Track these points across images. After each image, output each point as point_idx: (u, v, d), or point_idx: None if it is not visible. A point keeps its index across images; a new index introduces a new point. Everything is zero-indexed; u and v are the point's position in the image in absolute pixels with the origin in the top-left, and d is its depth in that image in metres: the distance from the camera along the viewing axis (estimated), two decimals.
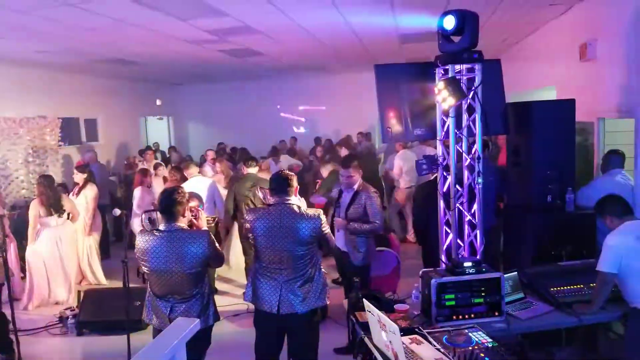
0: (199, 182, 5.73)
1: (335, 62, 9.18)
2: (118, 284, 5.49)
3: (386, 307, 2.81)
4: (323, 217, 3.03)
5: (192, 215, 3.13)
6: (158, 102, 11.88)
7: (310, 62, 9.00)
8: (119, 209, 3.95)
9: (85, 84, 9.00)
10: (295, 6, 4.76)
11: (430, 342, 2.41)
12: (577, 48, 4.91)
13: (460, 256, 3.47)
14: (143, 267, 2.98)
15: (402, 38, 6.77)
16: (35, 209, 5.29)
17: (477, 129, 3.40)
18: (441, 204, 3.55)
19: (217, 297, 3.55)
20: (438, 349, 2.34)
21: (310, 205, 3.93)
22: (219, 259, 3.09)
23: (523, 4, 5.03)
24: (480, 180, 3.38)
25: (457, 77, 3.29)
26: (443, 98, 3.23)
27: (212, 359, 3.21)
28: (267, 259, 2.98)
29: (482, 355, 2.27)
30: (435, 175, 3.86)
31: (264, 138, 10.64)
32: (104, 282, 5.98)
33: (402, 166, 7.16)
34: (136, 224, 5.57)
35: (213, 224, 5.54)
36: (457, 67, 3.34)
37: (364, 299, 2.55)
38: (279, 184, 3.05)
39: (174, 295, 2.90)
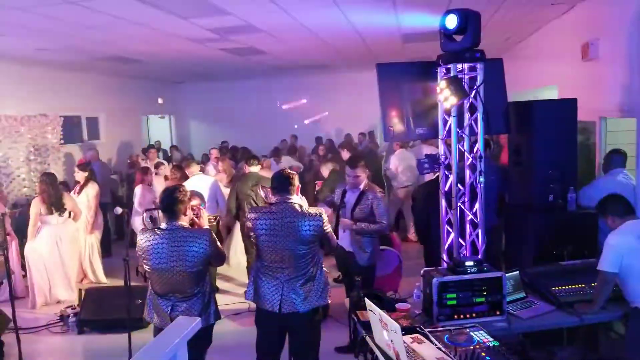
0: (201, 181, 5.73)
1: (337, 61, 9.17)
2: (119, 282, 5.51)
3: (388, 306, 2.81)
4: (324, 216, 3.02)
5: (193, 214, 3.13)
6: (160, 101, 11.89)
7: (312, 61, 9.00)
8: (121, 207, 3.96)
9: (86, 82, 9.00)
10: (298, 5, 4.75)
11: (431, 342, 2.41)
12: (579, 47, 4.90)
13: (461, 255, 3.46)
14: (144, 266, 2.98)
15: (404, 37, 6.76)
16: (36, 207, 5.29)
17: (479, 128, 3.39)
18: (443, 203, 3.54)
19: (218, 296, 3.56)
20: (439, 348, 2.34)
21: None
22: (220, 258, 3.09)
23: (525, 3, 5.02)
24: (482, 179, 3.38)
25: (459, 76, 3.29)
26: (445, 97, 3.22)
27: (213, 357, 3.22)
28: (269, 257, 2.98)
29: (484, 354, 2.27)
30: (436, 175, 3.85)
31: (266, 137, 10.64)
32: (104, 281, 5.99)
33: (397, 165, 7.17)
34: (137, 222, 5.58)
35: (215, 223, 5.55)
36: (459, 66, 3.33)
37: (365, 298, 2.55)
38: (281, 183, 3.05)
39: (175, 293, 2.90)
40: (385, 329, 2.28)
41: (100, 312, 4.63)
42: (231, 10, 4.81)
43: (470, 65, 3.34)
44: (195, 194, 3.71)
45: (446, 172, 3.52)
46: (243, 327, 4.58)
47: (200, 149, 11.72)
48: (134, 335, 3.65)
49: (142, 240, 2.89)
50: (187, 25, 5.33)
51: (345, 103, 11.43)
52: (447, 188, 3.52)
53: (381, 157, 8.65)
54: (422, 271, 2.93)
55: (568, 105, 3.89)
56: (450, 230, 3.53)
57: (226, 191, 6.01)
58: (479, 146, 3.40)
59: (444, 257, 3.55)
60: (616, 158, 4.09)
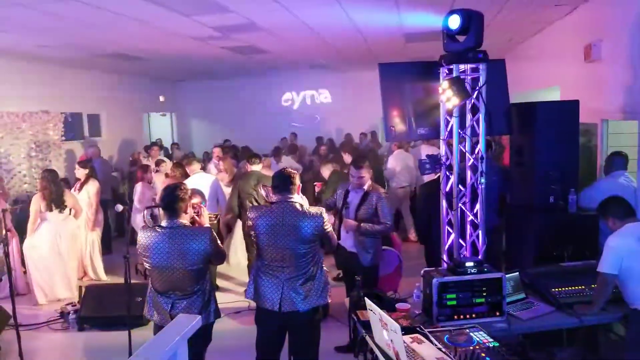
0: (202, 179, 5.73)
1: (339, 60, 9.17)
2: (119, 279, 5.52)
3: (388, 306, 2.81)
4: (325, 215, 3.02)
5: (194, 212, 3.13)
6: (161, 99, 11.89)
7: (313, 60, 9.00)
8: (122, 204, 3.96)
9: (88, 79, 9.00)
10: (300, 3, 4.75)
11: (431, 342, 2.41)
12: (582, 49, 4.90)
13: (462, 256, 3.46)
14: (145, 263, 2.98)
15: (406, 37, 6.76)
16: (36, 204, 5.30)
17: (481, 129, 3.39)
18: (444, 203, 3.54)
19: (218, 294, 3.56)
20: (439, 349, 2.34)
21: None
22: (221, 257, 3.09)
23: (528, 4, 5.01)
24: (483, 180, 3.38)
25: (462, 77, 3.29)
26: (447, 97, 3.22)
27: (213, 356, 3.22)
28: (269, 256, 2.98)
29: (483, 355, 2.27)
30: (437, 175, 3.85)
31: (267, 136, 10.63)
32: (104, 278, 5.99)
33: (394, 166, 7.18)
34: (137, 220, 5.59)
35: (215, 221, 5.55)
36: (462, 66, 3.33)
37: (365, 298, 2.55)
38: (282, 182, 3.05)
39: (176, 291, 2.90)
40: (385, 328, 2.28)
41: (101, 310, 4.63)
42: (233, 8, 4.81)
43: (473, 65, 3.34)
44: (196, 192, 3.71)
45: (447, 173, 3.52)
46: (243, 325, 4.58)
47: (201, 147, 11.72)
48: (134, 332, 3.65)
49: (143, 237, 2.90)
50: (189, 23, 5.33)
51: (346, 102, 11.43)
52: (448, 189, 3.52)
53: (382, 157, 8.66)
54: (422, 271, 2.93)
55: (570, 107, 3.89)
56: (451, 230, 3.53)
57: (227, 190, 6.01)
58: (481, 147, 3.39)
59: (444, 257, 3.55)
60: (617, 160, 4.08)
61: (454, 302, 2.72)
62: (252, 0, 4.51)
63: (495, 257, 3.91)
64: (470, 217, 3.47)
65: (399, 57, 8.19)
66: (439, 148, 4.02)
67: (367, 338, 2.61)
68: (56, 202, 5.30)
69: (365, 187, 3.89)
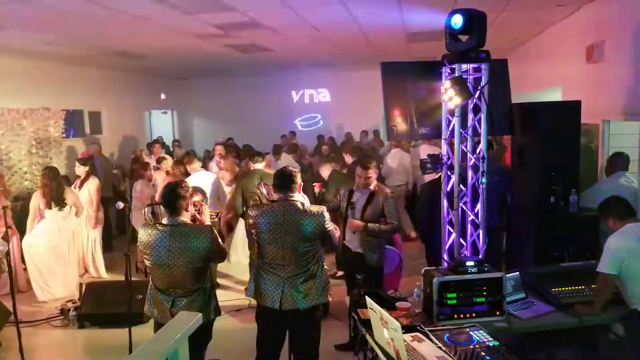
0: (202, 177, 5.73)
1: (341, 59, 9.16)
2: (120, 277, 5.52)
3: (388, 304, 2.81)
4: (326, 214, 3.03)
5: (195, 210, 3.13)
6: (162, 96, 11.89)
7: (316, 58, 8.99)
8: (122, 202, 3.96)
9: (89, 76, 9.00)
10: (303, 2, 4.75)
11: (431, 340, 2.42)
12: (584, 49, 4.89)
13: (462, 255, 3.46)
14: (146, 261, 2.99)
15: (409, 36, 6.75)
16: (35, 201, 5.30)
17: (482, 129, 3.38)
18: (444, 203, 3.54)
19: (218, 292, 3.56)
20: (439, 347, 2.34)
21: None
22: (221, 255, 3.10)
23: (530, 4, 5.01)
24: (484, 180, 3.37)
25: (464, 77, 3.28)
26: (449, 97, 3.21)
27: (213, 353, 3.23)
28: (270, 255, 2.98)
29: (483, 354, 2.27)
30: (439, 174, 3.84)
31: (268, 134, 10.64)
32: (105, 276, 6.00)
33: (391, 165, 7.19)
34: (135, 217, 5.59)
35: (217, 219, 5.55)
36: (464, 66, 3.32)
37: (366, 296, 2.55)
38: (283, 181, 3.05)
39: (176, 289, 2.91)
40: (385, 327, 2.28)
41: (101, 307, 4.63)
42: (236, 6, 4.80)
43: (475, 65, 3.33)
44: (197, 190, 3.72)
45: (448, 173, 3.51)
46: (243, 323, 4.59)
47: (202, 145, 11.74)
48: (135, 330, 3.65)
49: (144, 235, 2.90)
50: (192, 21, 5.33)
51: (348, 101, 11.43)
52: (449, 188, 3.52)
53: (383, 156, 8.66)
54: (422, 270, 2.94)
55: (572, 108, 3.89)
56: (452, 230, 3.53)
57: (227, 189, 6.01)
58: (482, 147, 3.39)
59: (445, 256, 3.55)
60: (619, 161, 4.09)
61: (455, 301, 2.72)
62: None
63: (495, 257, 3.91)
64: (471, 217, 3.47)
65: (401, 56, 8.20)
66: (439, 147, 4.02)
67: (368, 336, 2.61)
68: (56, 199, 5.30)
69: (372, 188, 3.88)
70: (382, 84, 3.61)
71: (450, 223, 3.52)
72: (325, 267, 3.15)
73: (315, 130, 11.28)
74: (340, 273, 5.40)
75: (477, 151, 3.42)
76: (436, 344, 2.38)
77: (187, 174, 5.77)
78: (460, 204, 3.44)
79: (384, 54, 8.14)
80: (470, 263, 2.79)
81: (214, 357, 3.41)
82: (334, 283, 3.71)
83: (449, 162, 3.49)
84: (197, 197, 3.33)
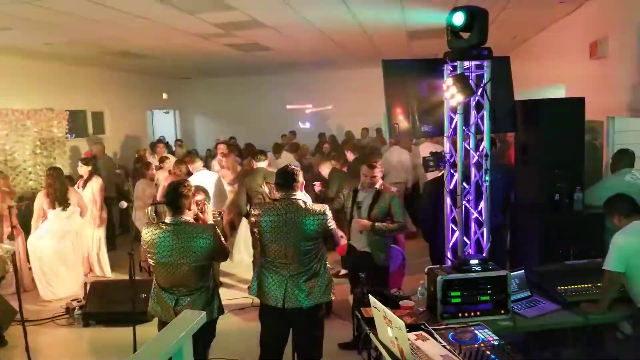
0: (204, 176, 5.73)
1: (342, 57, 9.14)
2: (123, 276, 5.53)
3: (391, 303, 2.80)
4: (329, 213, 3.02)
5: (198, 209, 3.14)
6: (164, 96, 11.91)
7: (317, 57, 8.98)
8: (126, 201, 3.97)
9: (92, 77, 9.03)
10: (304, 0, 4.74)
11: (435, 339, 2.41)
12: (588, 46, 4.86)
13: (466, 253, 3.45)
14: (149, 259, 3.00)
15: (410, 34, 6.73)
16: (39, 201, 5.32)
17: (485, 126, 3.37)
18: (448, 201, 3.53)
19: (222, 291, 3.56)
20: (444, 346, 2.33)
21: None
22: (224, 253, 3.10)
23: (533, 1, 4.98)
24: (487, 177, 3.36)
25: (466, 74, 3.27)
26: (451, 95, 3.20)
27: (217, 352, 3.23)
28: (273, 253, 2.98)
29: (488, 352, 2.26)
30: (442, 172, 3.83)
31: (270, 133, 10.64)
32: (110, 274, 6.02)
33: (389, 162, 7.18)
34: (137, 216, 5.60)
35: (219, 218, 5.56)
36: (466, 63, 3.31)
37: (369, 295, 2.54)
38: (285, 179, 3.04)
39: (180, 287, 2.91)
40: (389, 325, 2.27)
41: (106, 306, 4.65)
42: (237, 6, 4.80)
43: (477, 62, 3.32)
44: (199, 189, 3.72)
45: (451, 170, 3.50)
46: (247, 322, 4.59)
47: (204, 144, 11.75)
48: (139, 328, 3.66)
49: (147, 234, 2.91)
50: (193, 20, 5.33)
51: (350, 100, 11.41)
52: (452, 186, 3.51)
53: (381, 154, 8.65)
54: (426, 269, 2.93)
55: (575, 104, 3.86)
56: (455, 228, 3.52)
57: (228, 188, 6.00)
58: (485, 144, 3.38)
59: (449, 255, 3.54)
60: (624, 158, 4.06)
61: (459, 300, 2.71)
62: None
63: (499, 255, 3.90)
64: (475, 215, 3.46)
65: (403, 54, 8.18)
66: (442, 145, 4.01)
67: (371, 335, 2.61)
68: (59, 200, 5.32)
69: (378, 186, 3.88)
70: (383, 82, 3.60)
71: (454, 221, 3.51)
72: (328, 265, 3.15)
73: (316, 128, 11.26)
74: (343, 272, 5.39)
75: (480, 148, 3.41)
76: (441, 342, 2.37)
77: (190, 173, 5.77)
78: (464, 202, 3.43)
79: (385, 52, 8.12)
80: (474, 261, 2.78)
81: (218, 356, 3.41)
82: (337, 282, 3.71)
83: (451, 160, 3.47)
84: (199, 196, 3.33)
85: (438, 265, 3.05)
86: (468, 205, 3.46)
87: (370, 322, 2.62)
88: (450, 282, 2.71)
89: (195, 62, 9.15)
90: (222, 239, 3.03)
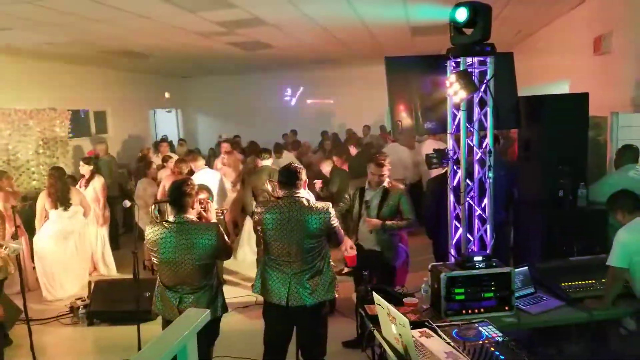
0: (207, 175, 5.74)
1: (345, 55, 9.12)
2: (127, 275, 5.55)
3: (395, 300, 2.80)
4: (332, 210, 3.02)
5: (201, 208, 3.14)
6: (167, 95, 11.93)
7: (319, 55, 8.96)
8: (129, 200, 3.98)
9: (94, 76, 9.04)
10: None
11: (440, 336, 2.40)
12: (591, 41, 4.84)
13: (470, 250, 3.44)
14: (153, 258, 3.00)
15: (413, 30, 6.71)
16: (42, 201, 5.33)
17: (489, 123, 3.35)
18: (451, 198, 3.52)
19: (225, 289, 3.57)
20: (448, 343, 2.33)
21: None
22: (227, 252, 3.11)
23: None
24: (490, 174, 3.35)
25: (469, 70, 3.25)
26: (454, 91, 3.19)
27: (221, 350, 3.24)
28: (276, 251, 2.98)
29: (493, 349, 2.26)
30: (445, 170, 3.82)
31: (272, 131, 10.64)
32: (116, 273, 6.04)
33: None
34: (139, 216, 5.58)
35: (222, 217, 5.56)
36: (469, 59, 3.29)
37: (373, 292, 2.54)
38: (288, 177, 3.04)
39: (183, 286, 2.92)
40: (393, 323, 2.27)
41: (110, 304, 4.67)
42: (238, 4, 4.79)
43: (480, 58, 3.30)
44: (203, 188, 3.72)
45: (455, 167, 3.49)
46: (250, 320, 4.60)
47: (206, 143, 11.75)
48: (143, 327, 3.67)
49: (151, 232, 2.91)
50: (195, 19, 5.33)
51: (353, 97, 11.39)
52: (455, 183, 3.50)
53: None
54: (430, 266, 2.92)
55: (579, 100, 3.84)
56: (459, 225, 3.51)
57: (228, 186, 5.99)
58: (488, 141, 3.36)
59: (452, 252, 3.53)
60: (628, 154, 4.04)
61: (462, 297, 2.70)
62: None
63: (503, 252, 3.88)
64: (478, 212, 3.45)
65: (406, 50, 8.14)
66: (445, 143, 3.99)
67: (375, 332, 2.61)
68: (61, 200, 5.33)
69: (386, 185, 3.87)
70: (386, 79, 3.58)
71: (457, 218, 3.50)
72: (332, 263, 3.15)
73: (318, 126, 11.24)
74: (346, 269, 5.39)
75: (484, 145, 3.40)
76: (445, 339, 2.37)
77: (192, 172, 5.78)
78: (467, 199, 3.42)
79: (387, 49, 8.09)
80: (478, 258, 2.77)
81: (222, 354, 3.42)
82: (340, 279, 3.71)
83: (455, 157, 3.46)
84: (203, 195, 3.34)
85: (442, 262, 3.04)
86: (471, 202, 3.45)
87: (374, 319, 2.62)
88: (454, 279, 2.70)
89: (197, 61, 9.15)
90: (225, 237, 3.03)
